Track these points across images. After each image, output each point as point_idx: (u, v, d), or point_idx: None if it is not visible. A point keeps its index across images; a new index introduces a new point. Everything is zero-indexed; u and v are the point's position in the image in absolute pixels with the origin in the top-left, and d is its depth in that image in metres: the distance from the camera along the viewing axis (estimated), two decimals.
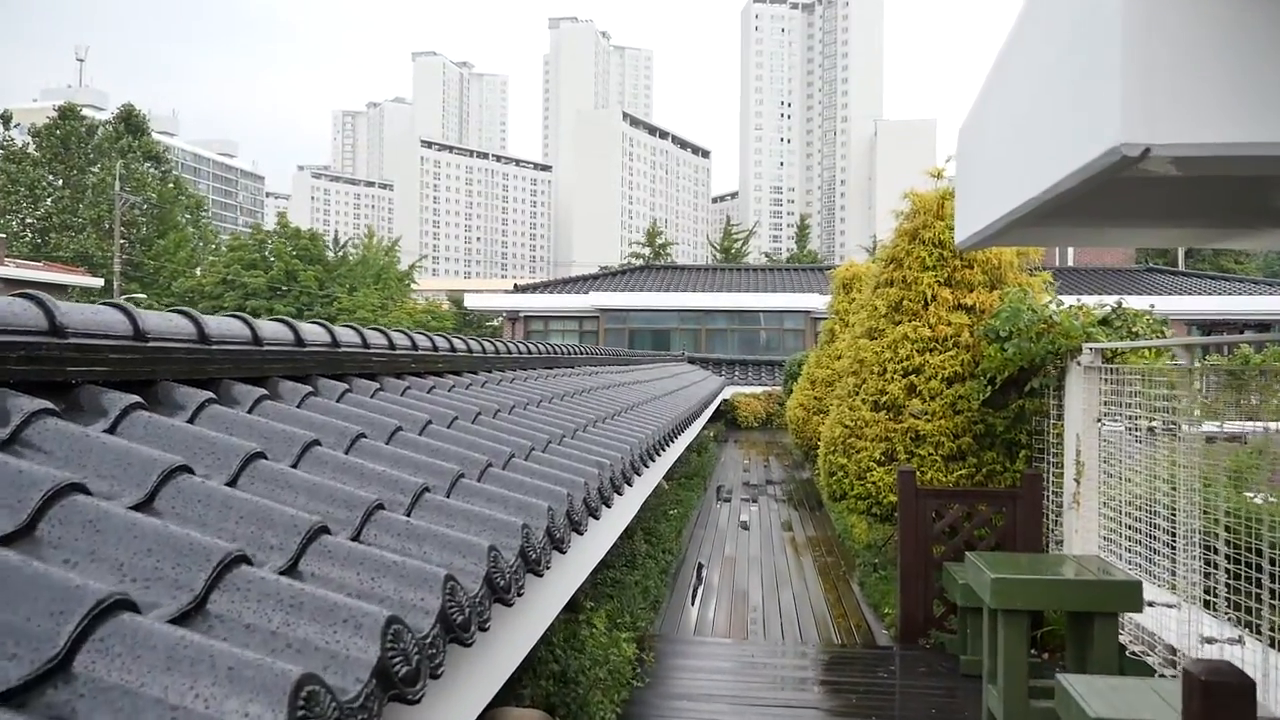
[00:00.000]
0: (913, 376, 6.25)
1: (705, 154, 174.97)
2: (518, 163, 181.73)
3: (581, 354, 9.62)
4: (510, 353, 6.63)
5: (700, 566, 7.55)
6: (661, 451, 6.18)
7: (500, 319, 35.32)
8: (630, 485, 4.45)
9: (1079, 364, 5.31)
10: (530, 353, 7.30)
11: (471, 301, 35.71)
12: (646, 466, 4.75)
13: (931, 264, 6.40)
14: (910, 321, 6.41)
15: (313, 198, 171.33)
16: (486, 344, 6.20)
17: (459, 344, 5.31)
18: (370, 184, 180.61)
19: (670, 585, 6.85)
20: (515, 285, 34.40)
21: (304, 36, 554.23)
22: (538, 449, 3.60)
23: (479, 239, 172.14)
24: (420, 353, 4.23)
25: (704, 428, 18.61)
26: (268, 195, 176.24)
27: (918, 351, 6.28)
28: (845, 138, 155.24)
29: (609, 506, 3.77)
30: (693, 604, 6.34)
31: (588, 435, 4.51)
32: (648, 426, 6.15)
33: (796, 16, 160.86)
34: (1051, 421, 5.65)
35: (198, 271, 53.29)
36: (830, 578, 7.17)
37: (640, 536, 8.01)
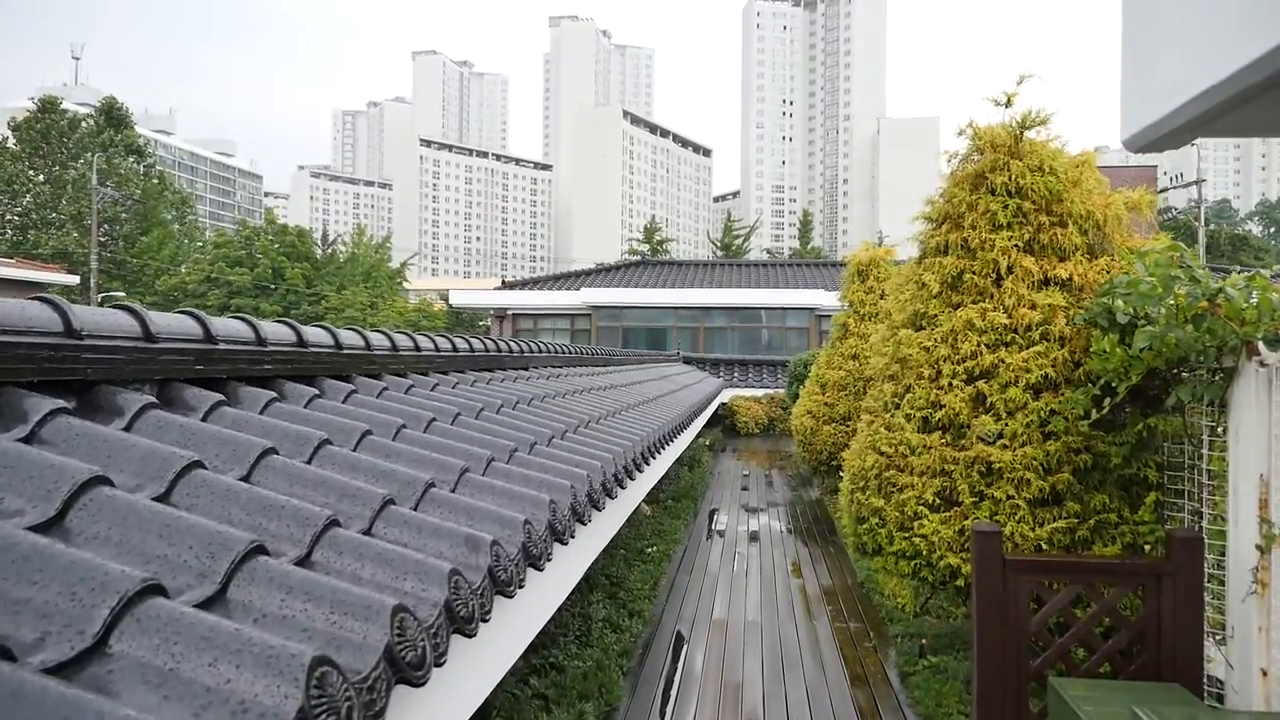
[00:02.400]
0: (981, 382, 4.31)
1: (706, 153, 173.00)
2: (517, 162, 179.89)
3: (541, 353, 7.68)
4: (420, 349, 4.73)
5: (680, 639, 5.60)
6: (628, 482, 4.35)
7: (489, 317, 33.43)
8: (544, 565, 2.61)
9: (1261, 365, 3.37)
10: (457, 350, 5.41)
11: (458, 299, 33.77)
12: (576, 529, 2.84)
13: (1006, 221, 4.46)
14: (976, 303, 4.47)
15: (312, 197, 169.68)
16: (400, 338, 4.41)
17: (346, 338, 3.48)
18: (370, 183, 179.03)
19: (635, 675, 4.90)
20: (503, 281, 32.47)
21: (304, 36, 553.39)
22: (398, 509, 2.08)
23: (478, 238, 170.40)
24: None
25: (699, 434, 16.68)
26: (266, 195, 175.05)
27: (988, 346, 4.35)
28: (848, 136, 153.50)
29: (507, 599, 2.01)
30: (663, 715, 4.39)
31: (506, 468, 2.67)
32: (616, 444, 4.29)
33: (798, 14, 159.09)
34: (1205, 452, 3.72)
35: (183, 269, 51.66)
36: (857, 660, 5.22)
37: (602, 591, 6.07)
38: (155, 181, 56.08)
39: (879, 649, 5.40)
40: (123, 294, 47.91)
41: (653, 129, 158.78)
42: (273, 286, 50.14)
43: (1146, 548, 4.06)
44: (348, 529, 1.82)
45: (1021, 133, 4.61)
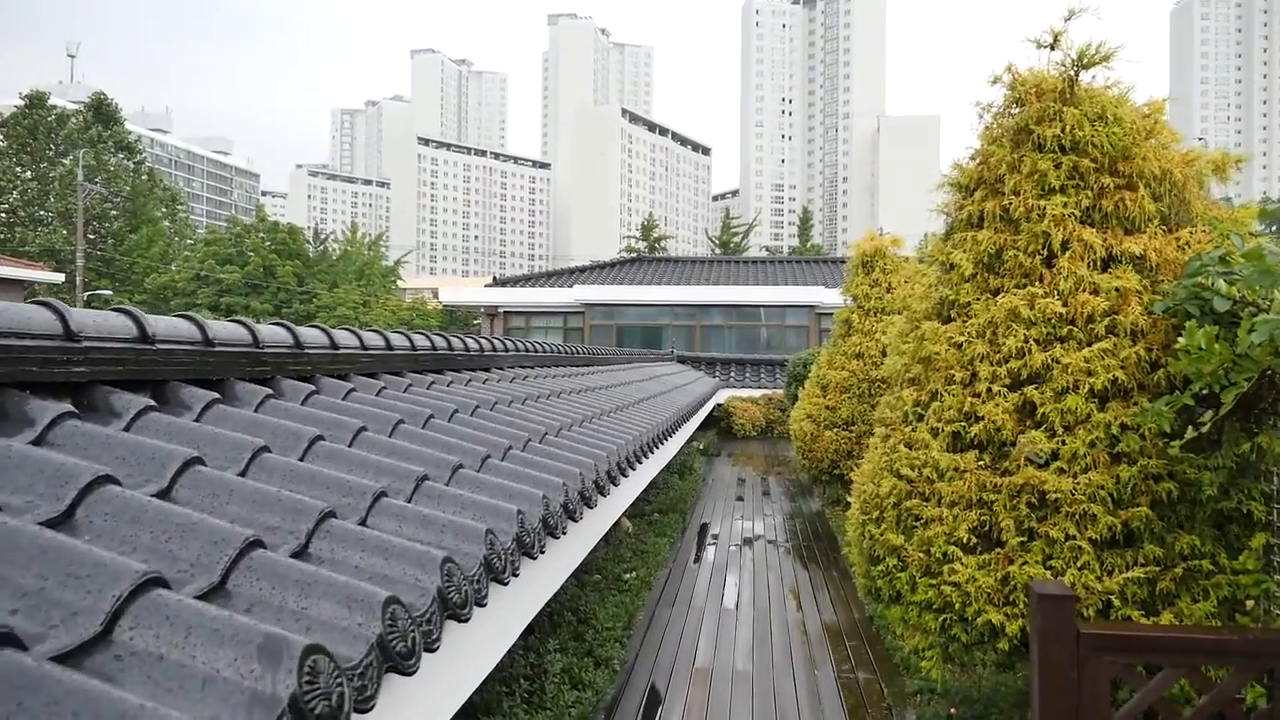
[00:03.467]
0: (1030, 388, 3.39)
1: (706, 151, 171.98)
2: (516, 160, 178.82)
3: (506, 351, 6.76)
4: (337, 346, 3.82)
5: (654, 697, 4.66)
6: (583, 514, 3.48)
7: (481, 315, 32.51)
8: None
9: None
10: (392, 347, 4.51)
11: (448, 296, 32.85)
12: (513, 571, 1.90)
13: (1058, 183, 3.53)
14: (1022, 287, 3.53)
15: (310, 196, 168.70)
16: (310, 333, 3.54)
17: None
18: (368, 182, 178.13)
19: None
20: (494, 278, 31.54)
21: (303, 36, 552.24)
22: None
23: (477, 237, 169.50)
24: None
25: (693, 437, 15.75)
26: (265, 194, 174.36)
27: (1037, 342, 3.42)
28: (847, 135, 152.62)
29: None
30: None
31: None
32: (576, 463, 3.42)
33: (798, 12, 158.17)
34: None
35: (173, 267, 50.88)
36: None
37: (567, 631, 5.13)
38: (145, 178, 55.24)
39: (895, 709, 4.46)
40: (109, 292, 47.16)
41: (651, 127, 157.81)
42: (263, 285, 49.40)
43: (1250, 603, 3.13)
44: None
45: (1077, 74, 3.66)
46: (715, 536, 8.86)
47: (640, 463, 5.37)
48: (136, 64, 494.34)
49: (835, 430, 9.86)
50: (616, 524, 8.45)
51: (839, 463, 9.91)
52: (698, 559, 7.77)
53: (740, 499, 11.12)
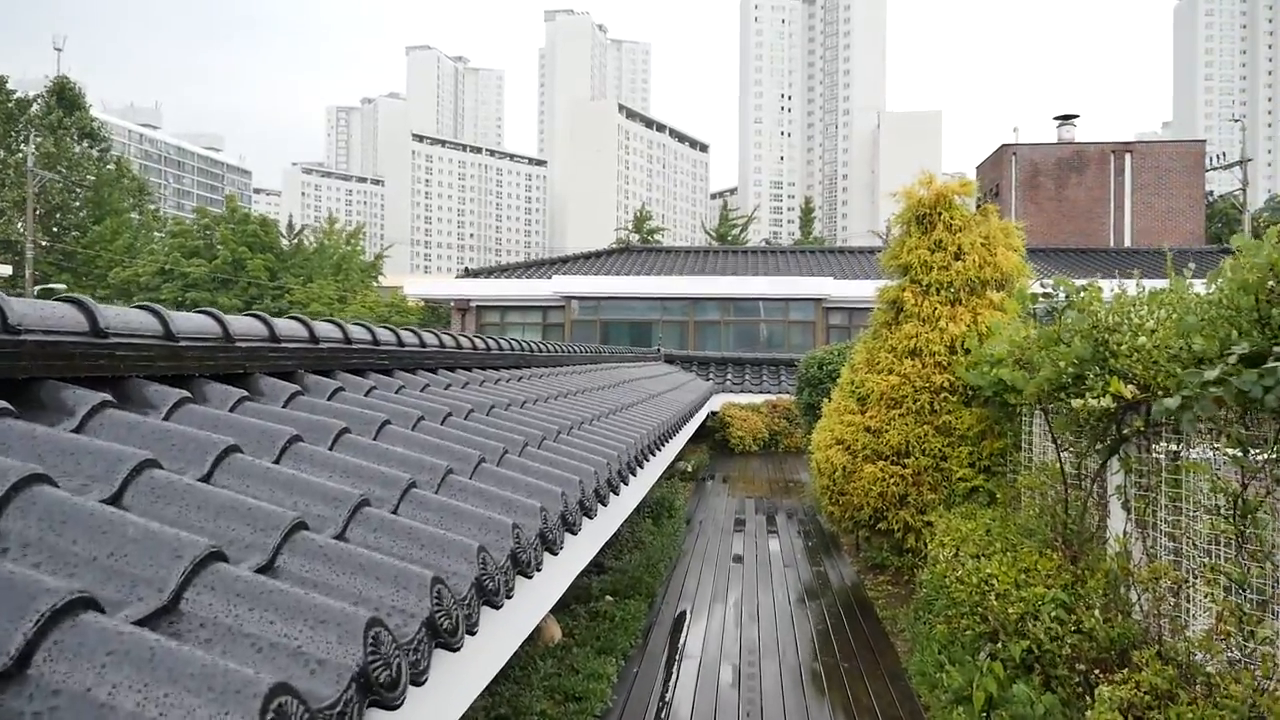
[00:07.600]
0: None
1: (704, 148, 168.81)
2: (512, 157, 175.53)
3: (353, 345, 3.53)
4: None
5: None
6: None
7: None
8: None
9: None
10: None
11: (415, 289, 29.75)
12: None
13: None
14: None
15: (303, 194, 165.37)
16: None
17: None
18: (363, 179, 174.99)
19: None
20: (466, 269, 28.39)
21: (300, 34, 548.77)
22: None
23: (472, 235, 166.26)
24: None
25: (680, 455, 12.61)
26: (258, 191, 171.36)
27: None
28: (847, 131, 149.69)
29: None
30: None
31: None
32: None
33: (797, 7, 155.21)
34: None
35: (137, 261, 47.87)
36: None
37: None
38: (111, 168, 52.11)
39: None
40: (63, 286, 43.96)
41: (649, 123, 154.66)
42: (233, 279, 46.32)
43: None
44: None
45: None
46: (699, 647, 5.63)
47: (608, 505, 2.33)
48: (131, 63, 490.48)
49: (880, 464, 6.65)
50: (537, 631, 5.22)
51: (885, 511, 6.72)
52: (663, 712, 4.51)
53: (738, 559, 7.87)
